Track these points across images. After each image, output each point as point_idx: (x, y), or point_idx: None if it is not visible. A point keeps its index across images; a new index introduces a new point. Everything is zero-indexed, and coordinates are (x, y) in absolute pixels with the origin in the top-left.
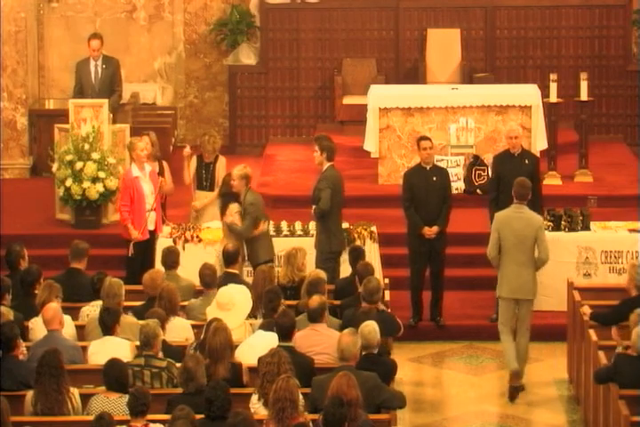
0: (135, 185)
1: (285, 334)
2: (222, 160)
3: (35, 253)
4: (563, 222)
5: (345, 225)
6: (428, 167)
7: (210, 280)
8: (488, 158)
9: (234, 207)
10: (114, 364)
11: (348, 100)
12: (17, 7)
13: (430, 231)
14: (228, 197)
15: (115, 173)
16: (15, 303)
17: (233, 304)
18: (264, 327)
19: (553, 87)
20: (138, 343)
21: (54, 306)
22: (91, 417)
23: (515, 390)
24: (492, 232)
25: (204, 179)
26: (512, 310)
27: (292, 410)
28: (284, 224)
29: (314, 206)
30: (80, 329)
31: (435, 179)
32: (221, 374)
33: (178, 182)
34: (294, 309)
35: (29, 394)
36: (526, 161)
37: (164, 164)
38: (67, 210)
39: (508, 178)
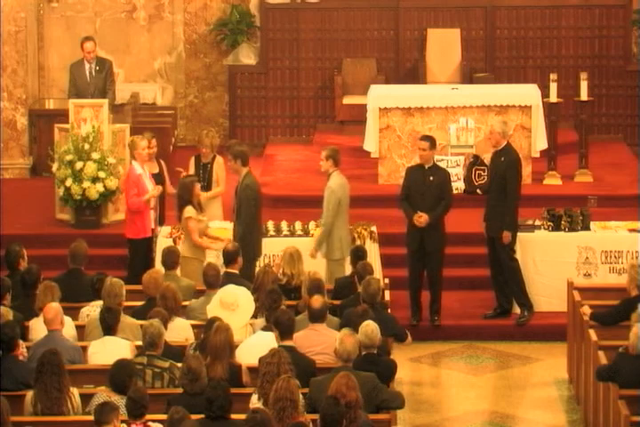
0: (140, 182)
1: (287, 331)
2: (219, 160)
3: (35, 253)
4: (563, 222)
5: None
6: (426, 166)
7: (213, 280)
8: (488, 158)
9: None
10: (122, 366)
11: (347, 100)
12: (17, 7)
13: (420, 218)
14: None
15: (115, 173)
16: (15, 304)
17: (237, 305)
18: (265, 328)
19: (553, 87)
20: (138, 343)
21: (55, 306)
22: (91, 417)
23: None
24: (334, 202)
25: (202, 179)
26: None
27: (293, 410)
28: (283, 224)
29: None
30: (80, 329)
31: (431, 178)
32: (219, 374)
33: (176, 183)
34: (294, 309)
35: (29, 394)
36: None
37: (162, 163)
38: (67, 210)
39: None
